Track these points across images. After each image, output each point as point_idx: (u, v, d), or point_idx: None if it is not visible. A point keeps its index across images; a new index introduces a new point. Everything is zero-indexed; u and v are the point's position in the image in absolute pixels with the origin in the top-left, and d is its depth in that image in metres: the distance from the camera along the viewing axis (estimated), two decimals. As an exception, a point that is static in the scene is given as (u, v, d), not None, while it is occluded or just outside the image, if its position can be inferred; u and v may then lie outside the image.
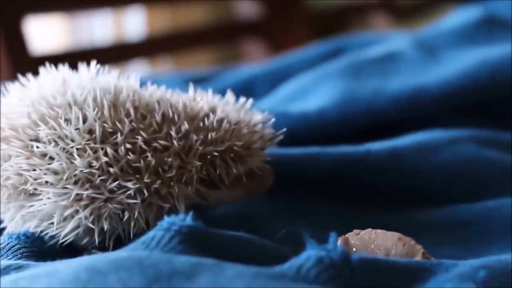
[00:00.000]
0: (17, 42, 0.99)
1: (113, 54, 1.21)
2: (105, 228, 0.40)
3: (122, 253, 0.34)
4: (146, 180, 0.40)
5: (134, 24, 1.56)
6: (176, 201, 0.41)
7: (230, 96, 0.47)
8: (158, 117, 0.42)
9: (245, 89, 0.75)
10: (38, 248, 0.40)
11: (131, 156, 0.40)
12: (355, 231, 0.41)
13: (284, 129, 0.47)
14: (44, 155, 0.40)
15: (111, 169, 0.40)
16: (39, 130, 0.41)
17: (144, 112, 0.42)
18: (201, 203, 0.44)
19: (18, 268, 0.36)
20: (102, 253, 0.36)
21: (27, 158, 0.40)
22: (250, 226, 0.43)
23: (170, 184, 0.41)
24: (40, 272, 0.33)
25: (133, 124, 0.41)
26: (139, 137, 0.41)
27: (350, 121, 0.59)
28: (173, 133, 0.42)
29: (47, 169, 0.40)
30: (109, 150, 0.40)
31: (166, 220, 0.36)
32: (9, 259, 0.39)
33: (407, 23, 1.71)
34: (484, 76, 0.60)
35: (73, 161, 0.40)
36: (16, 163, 0.41)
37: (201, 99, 0.46)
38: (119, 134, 0.40)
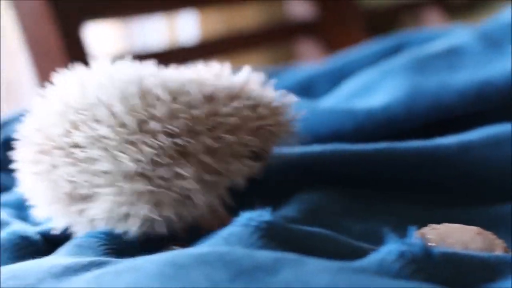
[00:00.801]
0: (76, 48, 1.01)
1: (168, 58, 1.22)
2: (171, 217, 0.41)
3: (203, 248, 0.34)
4: (201, 160, 0.41)
5: (187, 28, 1.57)
6: (235, 177, 0.42)
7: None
8: (194, 97, 0.42)
9: (306, 87, 0.75)
10: (117, 245, 0.41)
11: (177, 140, 0.40)
12: (432, 225, 0.40)
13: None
14: (88, 158, 0.41)
15: (158, 159, 0.40)
16: (75, 136, 0.41)
17: (175, 94, 0.42)
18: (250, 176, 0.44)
19: (100, 264, 0.36)
20: (182, 249, 0.36)
21: (73, 165, 0.41)
22: (323, 222, 0.43)
23: (225, 160, 0.42)
24: (122, 268, 0.33)
25: (167, 107, 0.41)
26: (179, 119, 0.41)
27: (416, 116, 0.58)
28: (223, 109, 0.42)
29: (96, 171, 0.41)
30: (149, 139, 0.40)
31: (244, 216, 0.36)
32: (89, 256, 0.39)
33: (460, 20, 1.68)
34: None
35: (118, 158, 0.40)
36: (65, 172, 0.41)
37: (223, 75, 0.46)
38: (153, 121, 0.41)
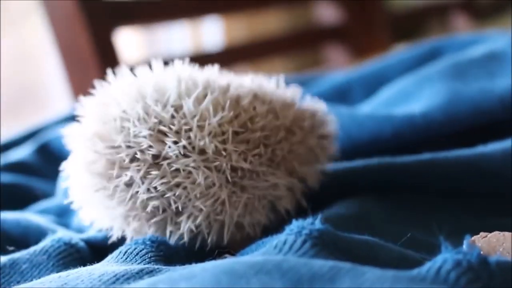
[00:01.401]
0: (108, 54, 1.01)
1: (193, 64, 1.23)
2: (261, 222, 0.42)
3: (257, 257, 0.34)
4: (290, 166, 0.42)
5: (211, 34, 1.57)
6: (312, 182, 0.45)
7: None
8: (275, 107, 0.43)
9: (341, 93, 0.75)
10: (164, 252, 0.41)
11: (270, 148, 0.42)
12: (482, 233, 0.40)
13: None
14: (175, 170, 0.40)
15: (252, 167, 0.41)
16: (160, 148, 0.40)
17: (265, 104, 0.43)
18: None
19: (150, 272, 0.36)
20: (236, 258, 0.36)
21: (162, 177, 0.40)
22: (369, 229, 0.42)
23: (305, 165, 0.44)
24: (177, 276, 0.33)
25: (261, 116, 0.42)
26: (272, 129, 0.42)
27: (456, 122, 0.57)
28: (279, 110, 0.43)
29: (190, 182, 0.40)
30: (245, 148, 0.41)
31: (295, 224, 0.36)
32: (138, 263, 0.39)
33: (487, 23, 1.67)
34: None
35: (212, 169, 0.40)
36: (150, 186, 0.40)
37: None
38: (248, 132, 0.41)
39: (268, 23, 1.58)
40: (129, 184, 0.41)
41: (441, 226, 0.45)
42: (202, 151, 0.40)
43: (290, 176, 0.43)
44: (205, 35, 1.56)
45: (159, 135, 0.40)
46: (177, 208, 0.41)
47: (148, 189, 0.40)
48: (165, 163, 0.40)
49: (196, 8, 1.26)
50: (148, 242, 0.41)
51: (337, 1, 1.42)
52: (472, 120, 0.58)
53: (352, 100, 0.74)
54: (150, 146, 0.40)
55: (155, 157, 0.40)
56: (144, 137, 0.40)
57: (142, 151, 0.40)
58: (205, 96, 0.41)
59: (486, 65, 0.63)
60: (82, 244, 0.46)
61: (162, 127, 0.40)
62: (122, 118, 0.41)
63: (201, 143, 0.40)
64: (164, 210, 0.41)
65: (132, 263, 0.40)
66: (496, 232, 0.40)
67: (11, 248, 0.48)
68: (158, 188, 0.40)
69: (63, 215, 0.56)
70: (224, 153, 0.40)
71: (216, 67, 0.46)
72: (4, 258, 0.44)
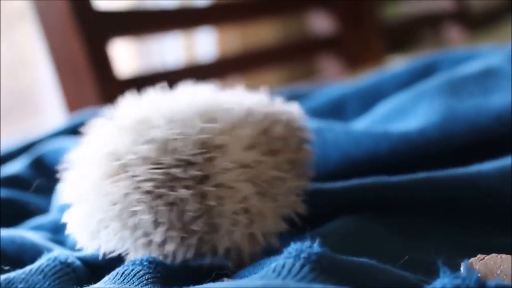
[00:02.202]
0: (103, 64, 1.01)
1: (186, 76, 1.22)
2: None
3: (256, 281, 0.34)
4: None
5: (205, 45, 1.57)
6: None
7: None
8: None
9: (336, 108, 0.75)
10: (162, 273, 0.41)
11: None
12: (479, 256, 0.40)
13: None
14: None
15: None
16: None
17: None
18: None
19: (148, 295, 0.36)
20: (236, 281, 0.36)
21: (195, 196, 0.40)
22: (367, 248, 0.42)
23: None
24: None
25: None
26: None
27: (452, 139, 0.57)
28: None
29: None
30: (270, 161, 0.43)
31: (294, 247, 0.36)
32: (136, 285, 0.39)
33: (481, 33, 1.68)
34: None
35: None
36: (188, 207, 0.40)
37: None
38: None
39: (262, 34, 1.58)
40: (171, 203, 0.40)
41: (438, 246, 0.45)
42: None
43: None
44: (198, 46, 1.56)
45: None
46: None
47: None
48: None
49: (190, 19, 1.27)
50: (145, 263, 0.41)
51: (331, 12, 1.43)
52: (469, 137, 0.58)
53: (347, 115, 0.74)
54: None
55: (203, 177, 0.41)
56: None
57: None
58: None
59: (482, 82, 0.63)
60: (78, 263, 0.46)
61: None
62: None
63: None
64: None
65: (129, 285, 0.40)
66: (494, 255, 0.40)
67: (7, 268, 0.47)
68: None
69: (58, 231, 0.56)
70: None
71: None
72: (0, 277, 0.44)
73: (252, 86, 0.50)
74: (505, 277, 0.39)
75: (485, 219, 0.50)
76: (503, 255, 0.40)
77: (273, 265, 0.36)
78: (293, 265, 0.35)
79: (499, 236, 0.48)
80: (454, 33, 1.68)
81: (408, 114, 0.62)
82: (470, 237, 0.49)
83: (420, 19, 1.70)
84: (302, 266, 0.35)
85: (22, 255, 0.50)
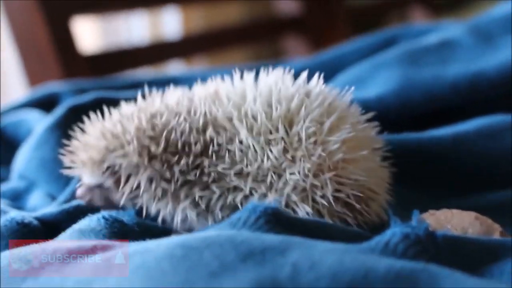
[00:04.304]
0: (65, 43, 1.00)
1: (151, 54, 1.22)
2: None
3: (210, 232, 0.34)
4: None
5: (170, 24, 1.57)
6: None
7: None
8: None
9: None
10: (118, 229, 0.41)
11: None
12: (430, 211, 0.41)
13: None
14: None
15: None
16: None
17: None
18: None
19: (103, 248, 0.36)
20: (191, 233, 0.36)
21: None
22: None
23: None
24: (130, 251, 0.33)
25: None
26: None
27: (409, 107, 0.59)
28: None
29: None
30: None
31: (251, 203, 0.37)
32: (92, 240, 0.39)
33: (446, 17, 1.70)
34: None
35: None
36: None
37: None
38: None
39: (227, 13, 1.58)
40: None
41: (394, 208, 0.46)
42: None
43: None
44: (163, 25, 1.55)
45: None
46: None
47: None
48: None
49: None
50: (101, 220, 0.41)
51: (297, -8, 1.43)
52: (425, 106, 0.59)
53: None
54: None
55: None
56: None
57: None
58: None
59: (439, 52, 0.64)
60: (35, 222, 0.46)
61: None
62: None
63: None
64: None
65: (87, 239, 0.40)
66: (445, 210, 0.41)
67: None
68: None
69: (18, 198, 0.56)
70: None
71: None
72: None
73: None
74: (455, 230, 0.40)
75: (441, 180, 0.51)
76: (454, 210, 0.41)
77: (229, 219, 0.36)
78: (248, 217, 0.36)
79: (458, 196, 0.50)
80: (419, 15, 1.69)
81: (367, 82, 0.63)
82: (426, 199, 0.50)
83: (385, 2, 1.72)
84: (258, 219, 0.36)
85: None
